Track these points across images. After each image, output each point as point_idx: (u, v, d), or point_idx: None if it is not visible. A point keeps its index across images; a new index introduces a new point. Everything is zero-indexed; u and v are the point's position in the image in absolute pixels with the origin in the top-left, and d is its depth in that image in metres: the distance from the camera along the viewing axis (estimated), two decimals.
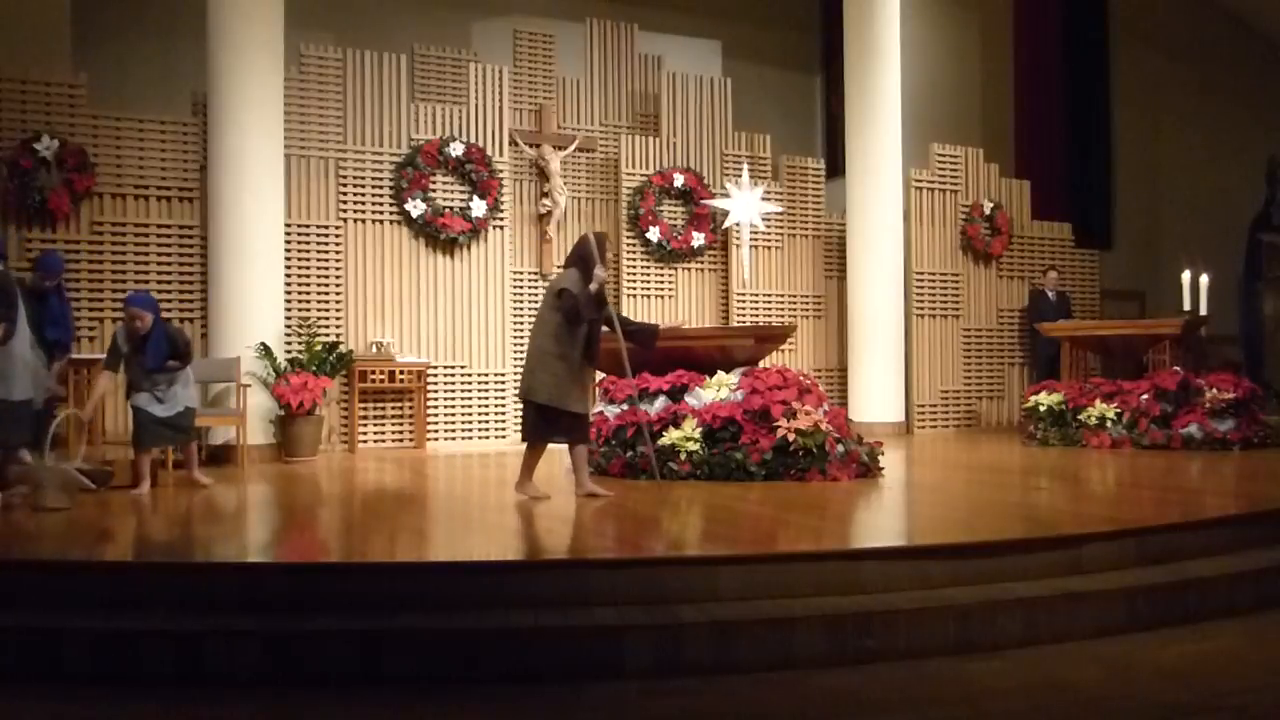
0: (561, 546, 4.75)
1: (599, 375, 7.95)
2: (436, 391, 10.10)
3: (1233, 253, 13.55)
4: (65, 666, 3.68)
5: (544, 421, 5.85)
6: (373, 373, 9.54)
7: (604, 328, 6.07)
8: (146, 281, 8.94)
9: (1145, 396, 9.03)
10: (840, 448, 6.80)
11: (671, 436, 6.90)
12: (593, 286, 5.79)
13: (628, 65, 11.57)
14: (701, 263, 11.60)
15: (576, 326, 5.77)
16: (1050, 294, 12.25)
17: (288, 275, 9.27)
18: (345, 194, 9.84)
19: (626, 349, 6.27)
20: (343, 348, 9.22)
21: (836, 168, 12.46)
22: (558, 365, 5.76)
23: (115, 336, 6.59)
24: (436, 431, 10.08)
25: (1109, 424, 9.10)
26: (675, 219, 11.41)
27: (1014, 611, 4.05)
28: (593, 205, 11.32)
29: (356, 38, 10.48)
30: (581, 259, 5.89)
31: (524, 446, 6.02)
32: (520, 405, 6.19)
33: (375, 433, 9.82)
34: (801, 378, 7.28)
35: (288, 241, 9.31)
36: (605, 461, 7.16)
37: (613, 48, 11.52)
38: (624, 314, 6.15)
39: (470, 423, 10.24)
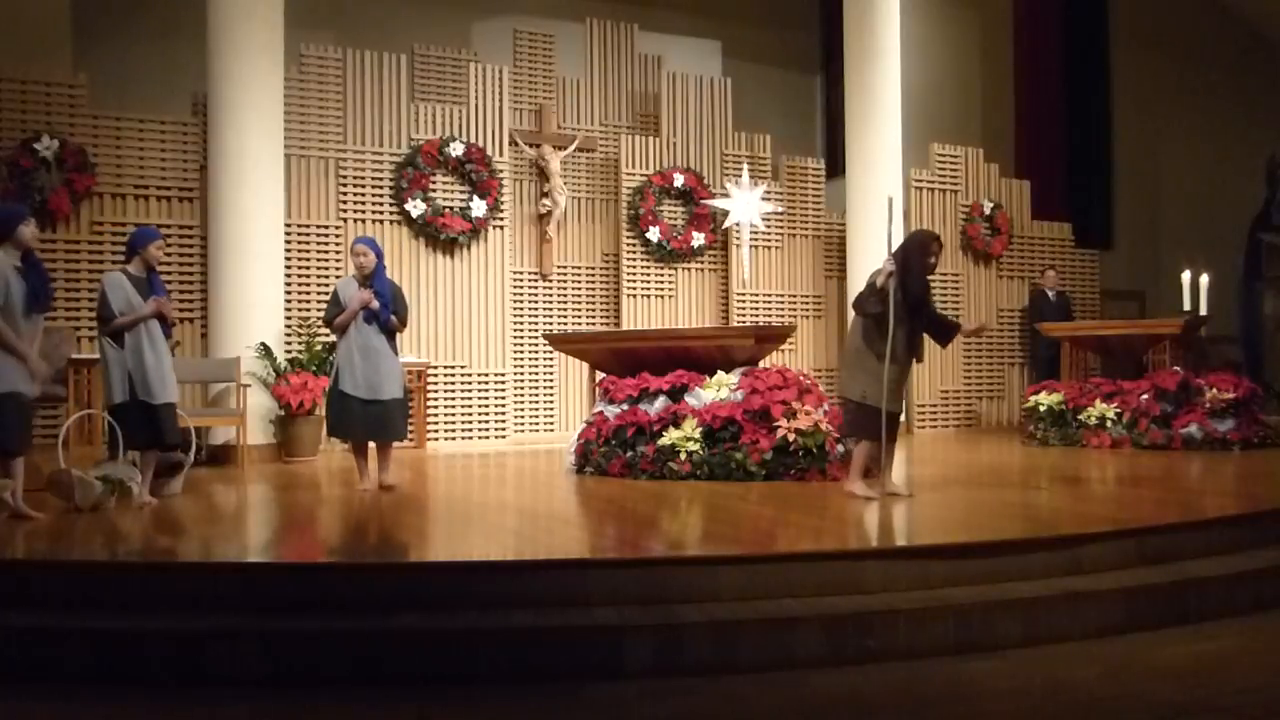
0: (561, 546, 4.74)
1: (599, 375, 7.95)
2: (436, 391, 10.10)
3: (1233, 253, 13.51)
4: (65, 666, 3.68)
5: (863, 418, 5.79)
6: None
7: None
8: None
9: (1145, 396, 9.02)
10: (840, 448, 6.80)
11: (671, 436, 6.91)
12: (879, 280, 5.63)
13: (628, 65, 11.58)
14: (701, 263, 11.60)
15: (883, 323, 5.62)
16: (1050, 294, 12.25)
17: (288, 275, 9.27)
18: (345, 194, 9.84)
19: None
20: None
21: (836, 168, 12.46)
22: (870, 363, 5.73)
23: (336, 290, 6.38)
24: (436, 431, 10.07)
25: (1109, 424, 9.09)
26: (675, 219, 11.41)
27: (1014, 611, 4.04)
28: (593, 205, 11.32)
29: (356, 38, 10.48)
30: (895, 257, 5.70)
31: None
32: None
33: None
34: (801, 378, 7.28)
35: (288, 241, 9.30)
36: (605, 461, 7.16)
37: (613, 48, 11.53)
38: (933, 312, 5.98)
39: (470, 423, 10.23)
